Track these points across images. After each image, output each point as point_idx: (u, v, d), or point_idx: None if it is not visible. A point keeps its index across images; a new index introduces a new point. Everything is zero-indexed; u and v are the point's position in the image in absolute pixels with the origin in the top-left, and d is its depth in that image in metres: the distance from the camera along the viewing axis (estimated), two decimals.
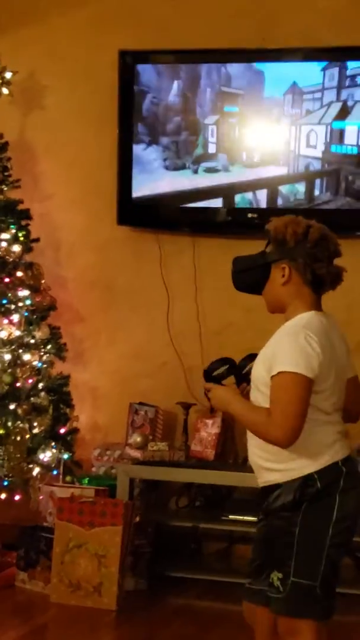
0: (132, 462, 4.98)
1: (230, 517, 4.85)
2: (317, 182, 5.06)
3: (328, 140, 5.02)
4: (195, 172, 5.19)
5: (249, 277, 2.97)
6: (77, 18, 5.48)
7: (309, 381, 2.74)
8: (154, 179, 5.24)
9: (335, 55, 5.02)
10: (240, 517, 4.75)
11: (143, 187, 5.24)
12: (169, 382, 5.31)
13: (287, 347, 2.77)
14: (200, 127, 5.18)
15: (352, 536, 2.88)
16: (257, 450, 2.89)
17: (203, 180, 5.19)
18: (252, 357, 3.03)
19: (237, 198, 5.15)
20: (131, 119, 5.22)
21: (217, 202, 5.17)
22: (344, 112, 4.99)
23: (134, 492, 4.89)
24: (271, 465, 2.85)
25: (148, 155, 5.23)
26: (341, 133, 5.01)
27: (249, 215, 5.14)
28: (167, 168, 5.23)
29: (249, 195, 5.14)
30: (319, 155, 5.05)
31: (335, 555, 2.82)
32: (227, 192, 5.15)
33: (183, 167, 5.20)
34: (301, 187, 5.07)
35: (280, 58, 5.09)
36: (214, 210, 5.21)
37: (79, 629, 4.21)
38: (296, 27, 5.13)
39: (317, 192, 5.06)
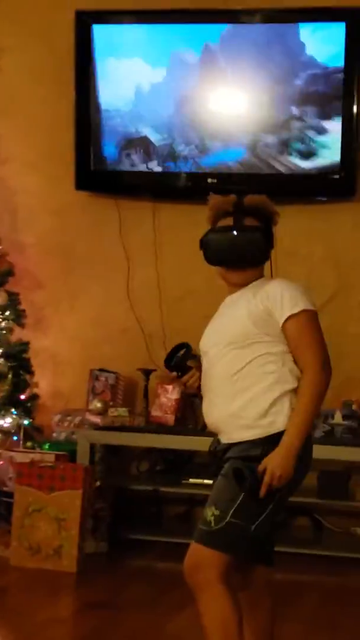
0: (93, 428, 4.97)
1: (191, 480, 4.89)
2: None
3: None
4: None
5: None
6: None
7: None
8: None
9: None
10: (200, 481, 4.77)
11: None
12: (129, 349, 5.29)
13: (293, 290, 2.82)
14: None
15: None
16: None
17: None
18: (181, 346, 2.99)
19: None
20: (88, 81, 5.17)
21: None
22: None
23: (94, 457, 4.88)
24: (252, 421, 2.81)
25: None
26: None
27: (209, 180, 5.12)
28: None
29: None
30: None
31: (278, 508, 2.79)
32: None
33: None
34: None
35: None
36: (174, 175, 5.18)
37: (39, 592, 4.21)
38: None
39: None
